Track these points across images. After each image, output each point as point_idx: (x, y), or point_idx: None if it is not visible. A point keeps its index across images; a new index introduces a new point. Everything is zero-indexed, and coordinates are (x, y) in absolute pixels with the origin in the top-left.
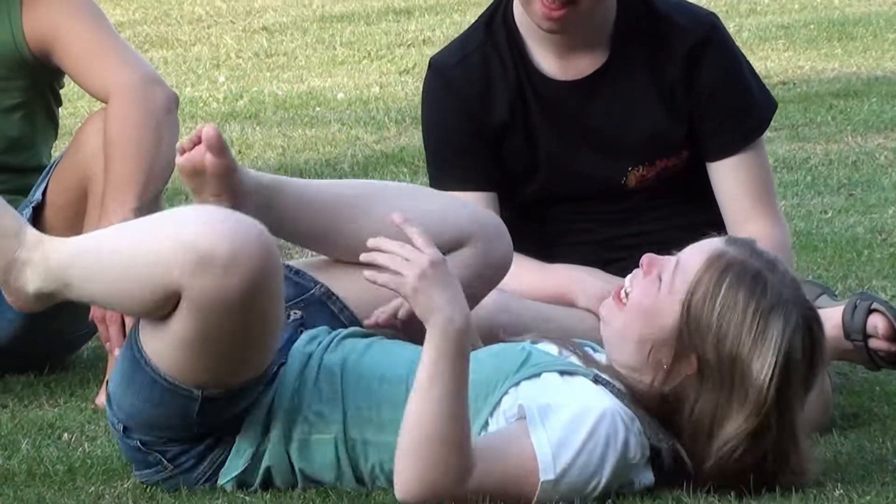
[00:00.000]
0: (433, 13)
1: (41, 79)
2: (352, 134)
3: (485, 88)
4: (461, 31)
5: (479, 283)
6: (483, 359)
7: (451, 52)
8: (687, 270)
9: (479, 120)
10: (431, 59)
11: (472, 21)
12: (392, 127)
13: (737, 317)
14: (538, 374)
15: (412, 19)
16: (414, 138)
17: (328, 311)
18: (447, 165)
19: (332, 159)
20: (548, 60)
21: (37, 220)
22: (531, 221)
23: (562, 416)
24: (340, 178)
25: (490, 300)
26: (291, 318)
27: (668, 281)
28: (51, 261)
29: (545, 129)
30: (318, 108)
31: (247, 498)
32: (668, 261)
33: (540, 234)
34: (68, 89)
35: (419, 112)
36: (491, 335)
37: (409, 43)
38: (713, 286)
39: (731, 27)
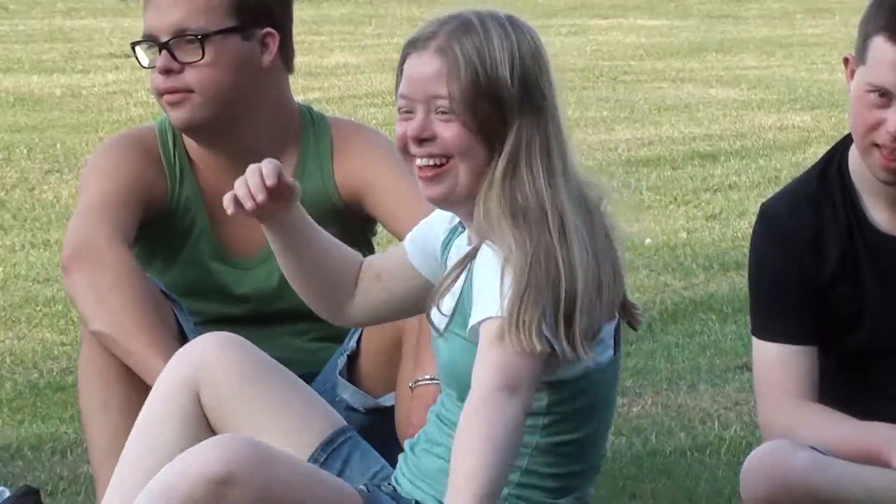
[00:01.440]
0: (738, 157)
1: (353, 226)
2: (660, 280)
3: (816, 239)
4: (766, 177)
5: None
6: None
7: (782, 200)
8: None
9: (808, 272)
10: (762, 206)
11: (777, 165)
12: (700, 273)
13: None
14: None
15: (717, 164)
16: (722, 285)
17: None
18: (771, 317)
19: (641, 306)
20: (881, 214)
21: (351, 367)
22: (852, 372)
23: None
24: (649, 325)
25: (806, 458)
26: None
27: None
28: None
29: (874, 284)
30: (626, 254)
31: None
32: None
33: (859, 386)
34: (381, 235)
35: (727, 258)
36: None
37: (714, 188)
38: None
39: None
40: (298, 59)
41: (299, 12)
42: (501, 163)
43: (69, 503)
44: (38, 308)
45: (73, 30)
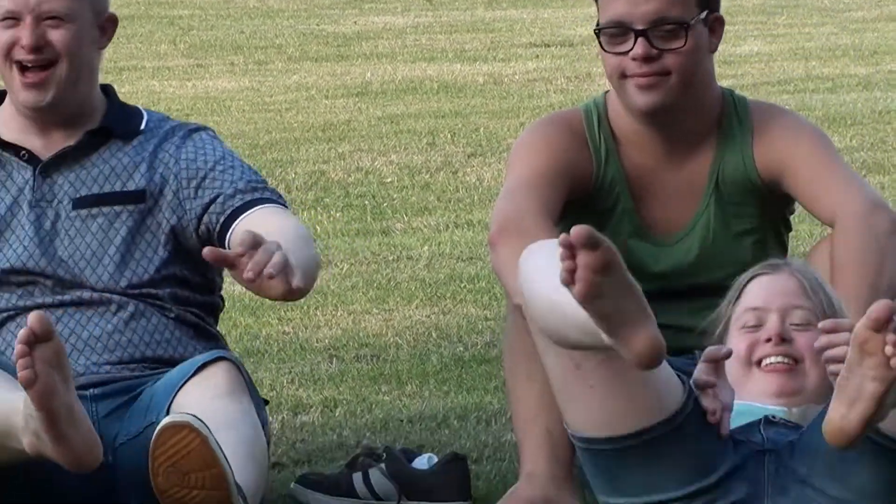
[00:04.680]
0: None
1: (772, 204)
2: None
3: None
4: None
5: None
6: None
7: None
8: None
9: None
10: None
11: None
12: None
13: None
14: None
15: None
16: None
17: None
18: None
19: None
20: None
21: None
22: None
23: None
24: None
25: None
26: None
27: None
28: None
29: None
30: None
31: None
32: None
33: None
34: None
35: None
36: None
37: None
38: None
39: None
40: None
41: None
42: None
43: (494, 469)
44: (463, 285)
45: (494, 20)
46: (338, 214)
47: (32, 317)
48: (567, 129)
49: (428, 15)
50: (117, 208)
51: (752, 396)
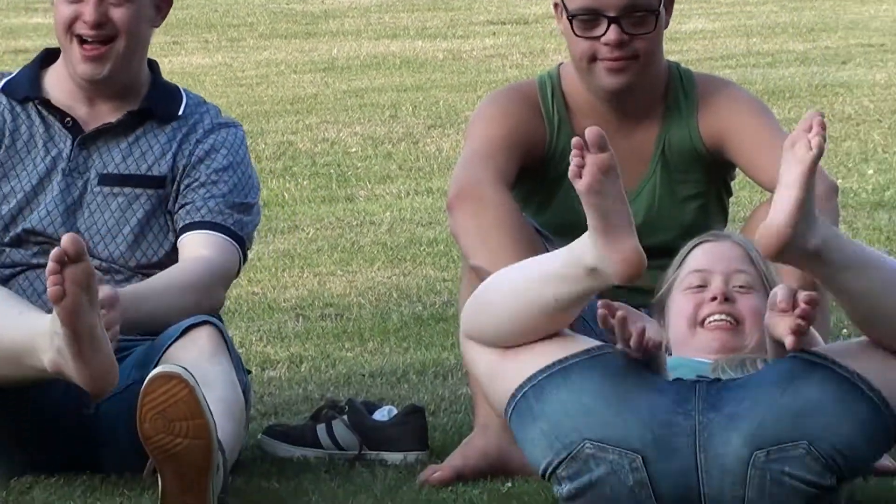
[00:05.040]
0: None
1: (715, 171)
2: None
3: None
4: None
5: None
6: None
7: None
8: None
9: None
10: None
11: None
12: None
13: None
14: None
15: None
16: None
17: None
18: None
19: None
20: None
21: None
22: None
23: None
24: None
25: None
26: None
27: None
28: None
29: None
30: None
31: None
32: None
33: None
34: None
35: None
36: None
37: None
38: None
39: None
40: None
41: None
42: None
43: (450, 421)
44: (422, 248)
45: None
46: (305, 182)
47: (66, 238)
48: (522, 100)
49: None
50: (137, 190)
51: (693, 353)
